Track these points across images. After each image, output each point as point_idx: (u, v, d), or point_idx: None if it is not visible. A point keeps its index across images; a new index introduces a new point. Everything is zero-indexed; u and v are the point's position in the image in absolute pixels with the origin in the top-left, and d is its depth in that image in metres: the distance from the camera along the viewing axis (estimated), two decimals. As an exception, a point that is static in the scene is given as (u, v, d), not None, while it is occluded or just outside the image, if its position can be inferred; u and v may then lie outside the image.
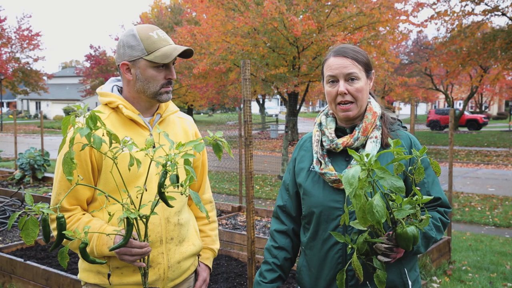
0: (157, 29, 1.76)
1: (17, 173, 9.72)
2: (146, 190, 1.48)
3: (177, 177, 1.38)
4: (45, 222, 1.30)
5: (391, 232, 1.47)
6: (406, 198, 1.40)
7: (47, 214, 1.27)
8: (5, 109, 56.95)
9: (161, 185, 1.39)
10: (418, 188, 1.45)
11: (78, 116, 1.33)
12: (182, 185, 1.36)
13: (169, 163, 1.36)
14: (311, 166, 1.75)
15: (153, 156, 1.40)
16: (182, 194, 1.37)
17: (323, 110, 1.84)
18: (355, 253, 1.46)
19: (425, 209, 1.50)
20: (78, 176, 1.42)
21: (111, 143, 1.38)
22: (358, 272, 1.45)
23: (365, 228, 1.44)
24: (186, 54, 1.77)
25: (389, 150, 1.42)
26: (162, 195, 1.41)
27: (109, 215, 1.46)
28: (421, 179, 1.47)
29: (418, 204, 1.41)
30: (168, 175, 1.37)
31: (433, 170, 1.53)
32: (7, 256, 4.36)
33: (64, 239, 1.37)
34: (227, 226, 6.18)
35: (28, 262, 4.16)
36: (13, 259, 4.27)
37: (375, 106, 1.75)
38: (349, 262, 1.52)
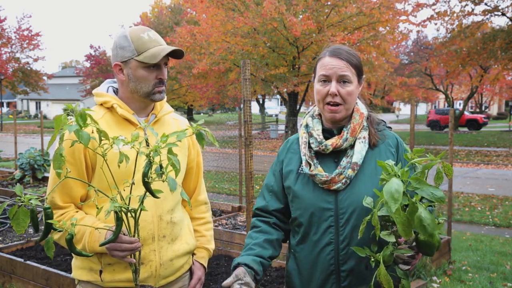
0: (148, 31, 1.78)
1: (17, 173, 9.72)
2: (134, 184, 1.48)
3: (161, 167, 1.39)
4: (33, 213, 1.32)
5: (410, 239, 1.43)
6: (424, 202, 1.36)
7: (35, 205, 1.30)
8: (5, 109, 56.96)
9: (145, 175, 1.39)
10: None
11: (70, 115, 1.35)
12: (163, 173, 1.37)
13: (152, 152, 1.37)
14: (300, 169, 1.73)
15: (139, 149, 1.41)
16: (163, 182, 1.37)
17: (309, 112, 1.83)
18: (381, 267, 1.40)
19: (440, 213, 1.47)
20: (67, 169, 1.43)
21: (100, 140, 1.39)
22: (386, 286, 1.38)
23: (394, 240, 1.39)
24: (177, 55, 1.78)
25: (425, 167, 1.37)
26: (146, 185, 1.41)
27: (97, 208, 1.47)
28: (441, 183, 1.45)
29: (434, 205, 1.38)
30: (153, 166, 1.38)
31: (445, 173, 1.45)
32: (7, 256, 4.36)
33: (56, 234, 1.39)
34: (227, 226, 6.18)
35: (28, 262, 4.16)
36: (13, 259, 4.27)
37: (362, 107, 1.74)
38: (374, 275, 1.44)
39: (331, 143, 1.66)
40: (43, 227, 1.39)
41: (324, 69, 1.67)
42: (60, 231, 1.40)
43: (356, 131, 1.68)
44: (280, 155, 1.85)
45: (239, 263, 1.64)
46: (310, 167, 1.67)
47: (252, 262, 1.64)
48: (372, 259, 1.45)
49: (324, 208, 1.65)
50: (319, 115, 1.77)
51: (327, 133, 1.72)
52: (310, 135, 1.73)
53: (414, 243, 1.43)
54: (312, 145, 1.71)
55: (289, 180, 1.75)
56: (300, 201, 1.70)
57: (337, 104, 1.66)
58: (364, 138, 1.68)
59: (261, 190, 1.88)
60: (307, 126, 1.76)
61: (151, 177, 1.40)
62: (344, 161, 1.66)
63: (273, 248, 1.75)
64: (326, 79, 1.67)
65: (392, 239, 1.37)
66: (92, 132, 1.39)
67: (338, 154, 1.68)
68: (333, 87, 1.65)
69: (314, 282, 1.69)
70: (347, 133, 1.67)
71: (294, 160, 1.77)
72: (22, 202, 1.30)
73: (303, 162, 1.70)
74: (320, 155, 1.71)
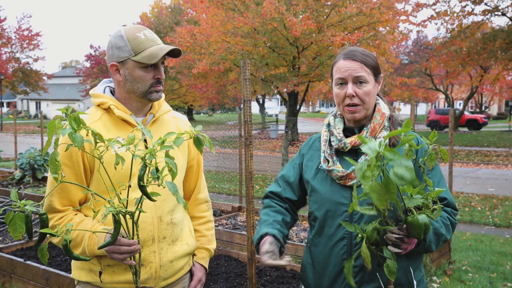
0: (144, 29, 1.76)
1: (17, 173, 9.72)
2: (130, 187, 1.48)
3: (157, 170, 1.38)
4: (27, 218, 1.32)
5: (401, 223, 1.47)
6: (417, 188, 1.40)
7: (30, 211, 1.30)
8: (5, 109, 56.95)
9: (140, 178, 1.38)
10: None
11: (64, 120, 1.34)
12: (158, 177, 1.36)
13: (147, 155, 1.35)
14: (320, 165, 1.79)
15: (134, 152, 1.40)
16: (159, 186, 1.37)
17: (332, 112, 1.89)
18: (364, 242, 1.46)
19: (438, 202, 1.50)
20: (61, 174, 1.42)
21: (95, 142, 1.38)
22: (366, 260, 1.44)
23: (375, 213, 1.42)
24: (174, 54, 1.78)
25: (401, 144, 1.38)
26: (142, 189, 1.40)
27: (94, 212, 1.47)
28: (433, 165, 1.51)
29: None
30: (149, 168, 1.37)
31: (441, 157, 1.54)
32: (7, 256, 4.36)
33: (55, 238, 1.38)
34: (227, 226, 6.18)
35: (28, 262, 4.16)
36: (13, 259, 4.27)
37: (384, 108, 1.79)
38: (357, 252, 1.53)
39: (350, 141, 1.72)
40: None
41: (339, 72, 1.73)
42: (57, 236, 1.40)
43: (376, 130, 1.73)
44: (302, 149, 1.94)
45: (267, 233, 1.72)
46: (328, 163, 1.74)
47: (279, 234, 1.74)
48: (359, 235, 1.50)
49: (339, 203, 1.70)
50: (341, 114, 1.83)
51: (349, 132, 1.78)
52: (331, 133, 1.80)
53: (404, 226, 1.45)
54: (333, 143, 1.77)
55: (308, 175, 1.83)
56: (318, 195, 1.77)
57: (355, 105, 1.71)
58: (384, 137, 1.70)
59: (276, 179, 1.97)
60: (328, 125, 1.84)
61: (148, 180, 1.39)
62: (362, 159, 1.70)
63: (288, 229, 1.84)
64: (343, 82, 1.73)
65: (373, 212, 1.40)
66: (87, 135, 1.39)
67: (357, 153, 1.73)
68: (350, 88, 1.70)
69: (327, 275, 1.73)
70: (366, 132, 1.72)
71: (315, 157, 1.84)
72: (18, 207, 1.29)
73: (322, 158, 1.77)
74: (340, 153, 1.77)
